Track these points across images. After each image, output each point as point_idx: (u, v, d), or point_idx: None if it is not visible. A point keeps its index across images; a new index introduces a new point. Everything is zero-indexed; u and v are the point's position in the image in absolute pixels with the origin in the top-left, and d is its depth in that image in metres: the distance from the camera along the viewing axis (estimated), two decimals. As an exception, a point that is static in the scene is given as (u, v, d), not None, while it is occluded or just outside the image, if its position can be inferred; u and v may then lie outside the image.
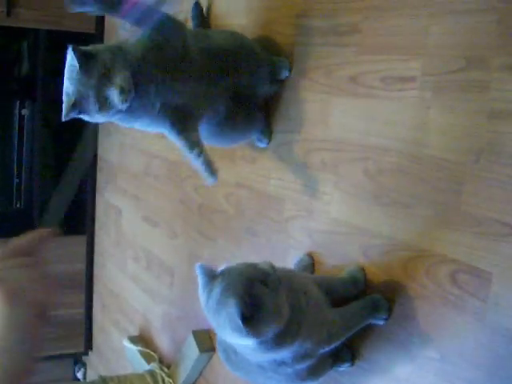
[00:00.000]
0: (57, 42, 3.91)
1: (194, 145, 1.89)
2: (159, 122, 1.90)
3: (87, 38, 3.98)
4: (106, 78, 1.71)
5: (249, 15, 2.36)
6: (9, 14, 3.69)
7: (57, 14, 3.88)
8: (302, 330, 1.51)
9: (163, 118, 1.88)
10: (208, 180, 1.92)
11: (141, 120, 1.89)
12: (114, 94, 1.71)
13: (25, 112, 3.94)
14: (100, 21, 3.98)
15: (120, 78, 1.71)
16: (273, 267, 1.44)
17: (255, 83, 2.09)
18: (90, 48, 1.77)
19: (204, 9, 2.60)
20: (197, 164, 1.90)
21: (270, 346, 1.46)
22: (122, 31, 1.77)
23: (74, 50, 1.70)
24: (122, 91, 1.70)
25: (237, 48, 2.05)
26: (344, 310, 1.71)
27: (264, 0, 2.29)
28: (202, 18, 2.56)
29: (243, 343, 1.44)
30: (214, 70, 1.96)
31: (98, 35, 3.98)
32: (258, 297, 1.36)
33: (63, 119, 1.75)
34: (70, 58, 1.73)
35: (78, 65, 1.70)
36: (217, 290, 1.40)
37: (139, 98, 1.78)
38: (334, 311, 1.68)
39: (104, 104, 1.73)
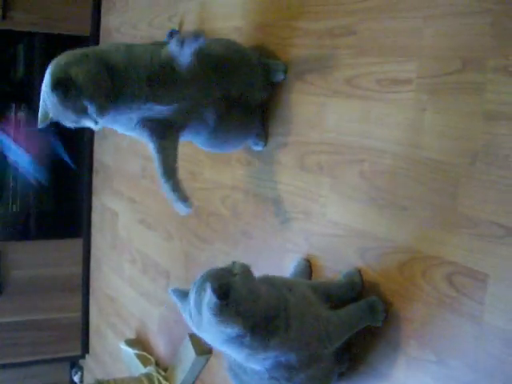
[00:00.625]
0: (52, 45, 3.92)
1: (167, 169, 1.93)
2: (137, 132, 1.94)
3: (82, 40, 3.98)
4: (81, 113, 1.74)
5: (245, 18, 2.36)
6: (4, 17, 3.69)
7: (52, 18, 3.89)
8: (292, 321, 1.53)
9: (141, 130, 1.92)
10: (180, 210, 1.95)
11: (118, 125, 1.95)
12: (88, 122, 1.78)
13: (21, 115, 3.94)
14: (95, 24, 3.98)
15: (94, 112, 1.73)
16: (234, 262, 1.51)
17: (249, 88, 2.08)
18: (65, 74, 1.75)
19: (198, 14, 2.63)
20: (165, 190, 1.95)
21: (265, 336, 1.48)
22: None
23: (53, 86, 1.72)
24: (96, 122, 1.77)
25: (229, 54, 2.05)
26: (341, 312, 1.71)
27: (260, 3, 2.29)
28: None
29: (233, 331, 1.44)
30: (204, 80, 1.96)
31: (93, 38, 3.99)
32: (228, 280, 1.43)
33: (39, 127, 1.83)
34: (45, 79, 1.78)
35: (55, 95, 1.72)
36: (191, 297, 1.47)
37: (117, 109, 1.82)
38: (330, 311, 1.68)
39: (79, 125, 1.80)
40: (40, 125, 1.83)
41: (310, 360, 1.61)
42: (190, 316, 1.48)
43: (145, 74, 1.81)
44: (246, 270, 1.48)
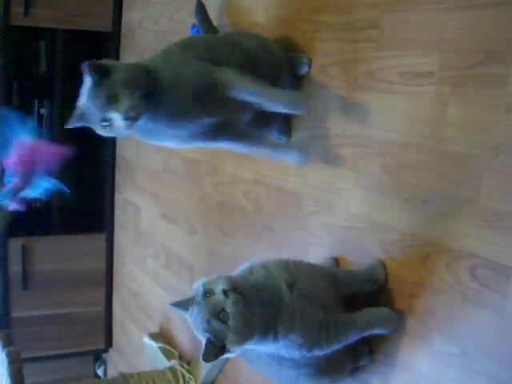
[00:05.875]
0: (74, 41, 3.93)
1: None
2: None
3: (104, 36, 3.99)
4: (112, 101, 1.67)
5: (266, 12, 2.37)
6: (26, 13, 3.71)
7: (73, 14, 3.90)
8: (281, 327, 1.56)
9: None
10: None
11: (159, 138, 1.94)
12: (117, 119, 1.69)
13: (43, 111, 3.96)
14: (117, 19, 3.99)
15: (126, 103, 1.67)
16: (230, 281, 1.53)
17: (277, 83, 2.07)
18: (108, 63, 1.72)
19: (218, 10, 2.64)
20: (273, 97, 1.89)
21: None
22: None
23: (88, 65, 1.66)
24: (127, 118, 1.68)
25: (258, 48, 2.04)
26: (345, 316, 1.71)
27: (280, -3, 2.29)
28: (205, 14, 2.56)
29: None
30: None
31: (114, 34, 4.00)
32: (218, 332, 1.47)
33: (65, 126, 1.75)
34: (86, 74, 1.69)
35: (90, 80, 1.68)
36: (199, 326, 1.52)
37: (156, 121, 1.80)
38: (333, 312, 1.68)
39: (106, 126, 1.71)
40: (69, 123, 1.75)
41: (302, 357, 1.64)
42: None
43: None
44: (237, 310, 1.48)
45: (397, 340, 1.78)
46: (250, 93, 1.86)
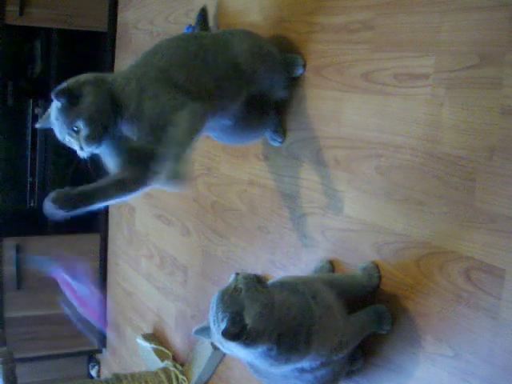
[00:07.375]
0: (69, 41, 3.93)
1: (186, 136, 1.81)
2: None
3: (99, 36, 3.99)
4: (73, 130, 1.75)
5: (261, 13, 2.36)
6: (21, 13, 3.71)
7: (69, 13, 3.90)
8: (314, 337, 1.55)
9: None
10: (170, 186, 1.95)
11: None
12: (76, 145, 1.78)
13: (38, 111, 3.95)
14: (112, 19, 3.99)
15: (83, 138, 1.75)
16: (237, 274, 1.54)
17: (272, 84, 2.09)
18: (76, 89, 1.76)
19: (214, 10, 2.64)
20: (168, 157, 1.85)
21: (288, 350, 1.52)
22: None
23: (57, 91, 1.72)
24: (82, 149, 1.79)
25: (255, 53, 2.03)
26: (354, 320, 1.73)
27: (276, -2, 2.29)
28: (206, 24, 2.58)
29: (262, 348, 1.49)
30: (231, 81, 1.96)
31: (110, 34, 3.99)
32: (237, 308, 1.46)
33: (37, 125, 1.88)
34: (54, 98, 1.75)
35: (58, 101, 1.74)
36: (214, 331, 1.51)
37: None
38: (345, 319, 1.69)
39: (67, 144, 1.81)
40: (39, 122, 1.85)
41: (321, 365, 1.63)
42: (222, 345, 1.52)
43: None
44: (249, 284, 1.50)
45: (390, 342, 1.77)
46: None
